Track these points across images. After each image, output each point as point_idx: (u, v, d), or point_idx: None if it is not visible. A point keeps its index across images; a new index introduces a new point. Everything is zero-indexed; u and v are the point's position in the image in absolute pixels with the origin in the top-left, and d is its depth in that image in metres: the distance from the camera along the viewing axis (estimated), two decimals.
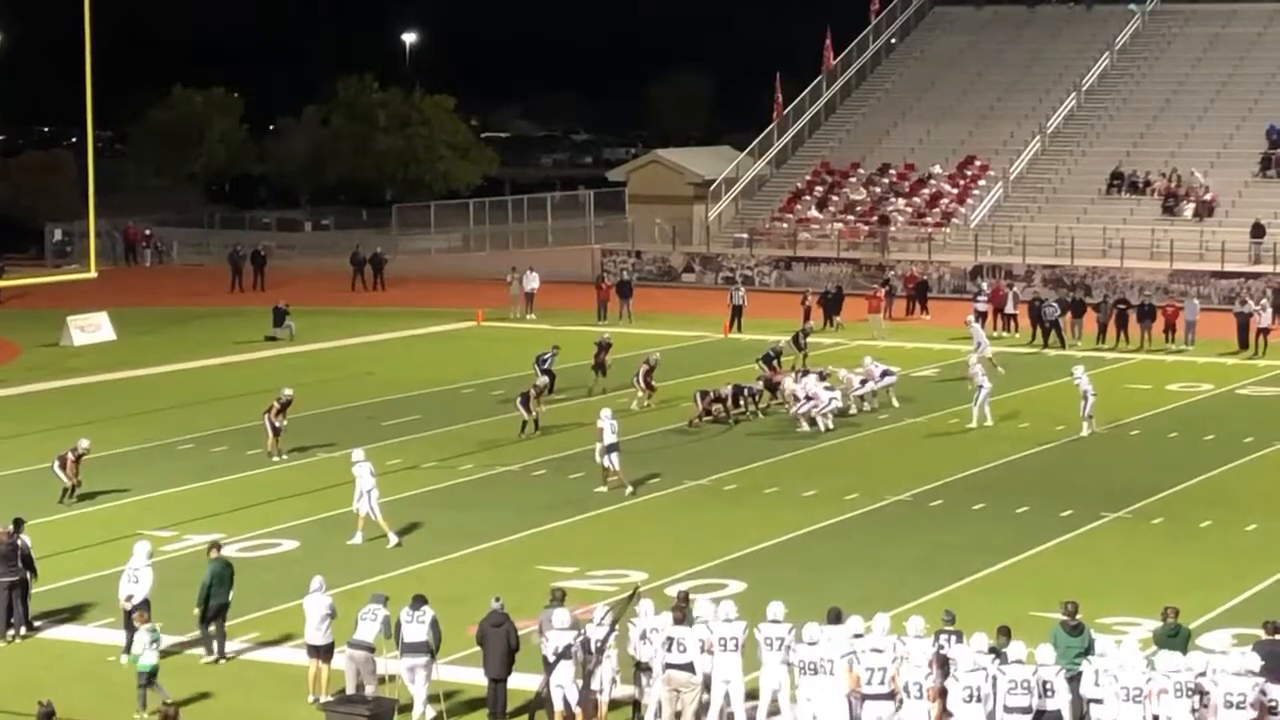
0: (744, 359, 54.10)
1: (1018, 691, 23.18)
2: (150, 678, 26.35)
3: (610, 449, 39.00)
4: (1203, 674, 23.10)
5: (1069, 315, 60.46)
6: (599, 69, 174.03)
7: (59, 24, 73.98)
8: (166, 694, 26.02)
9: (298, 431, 44.98)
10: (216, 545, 29.52)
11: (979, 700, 23.24)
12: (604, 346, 51.79)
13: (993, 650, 24.00)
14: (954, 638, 24.28)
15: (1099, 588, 31.36)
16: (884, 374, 48.78)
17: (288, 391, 42.79)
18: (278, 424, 42.25)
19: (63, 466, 38.47)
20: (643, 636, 25.18)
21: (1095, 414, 45.75)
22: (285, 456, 42.30)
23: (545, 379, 48.76)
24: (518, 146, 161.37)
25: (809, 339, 55.34)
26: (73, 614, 30.68)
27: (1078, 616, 24.89)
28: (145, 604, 27.91)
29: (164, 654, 28.25)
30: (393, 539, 35.10)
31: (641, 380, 49.14)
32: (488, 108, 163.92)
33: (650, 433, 45.77)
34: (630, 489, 38.89)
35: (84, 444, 39.03)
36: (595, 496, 38.81)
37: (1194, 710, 22.82)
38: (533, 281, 67.45)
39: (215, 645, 28.51)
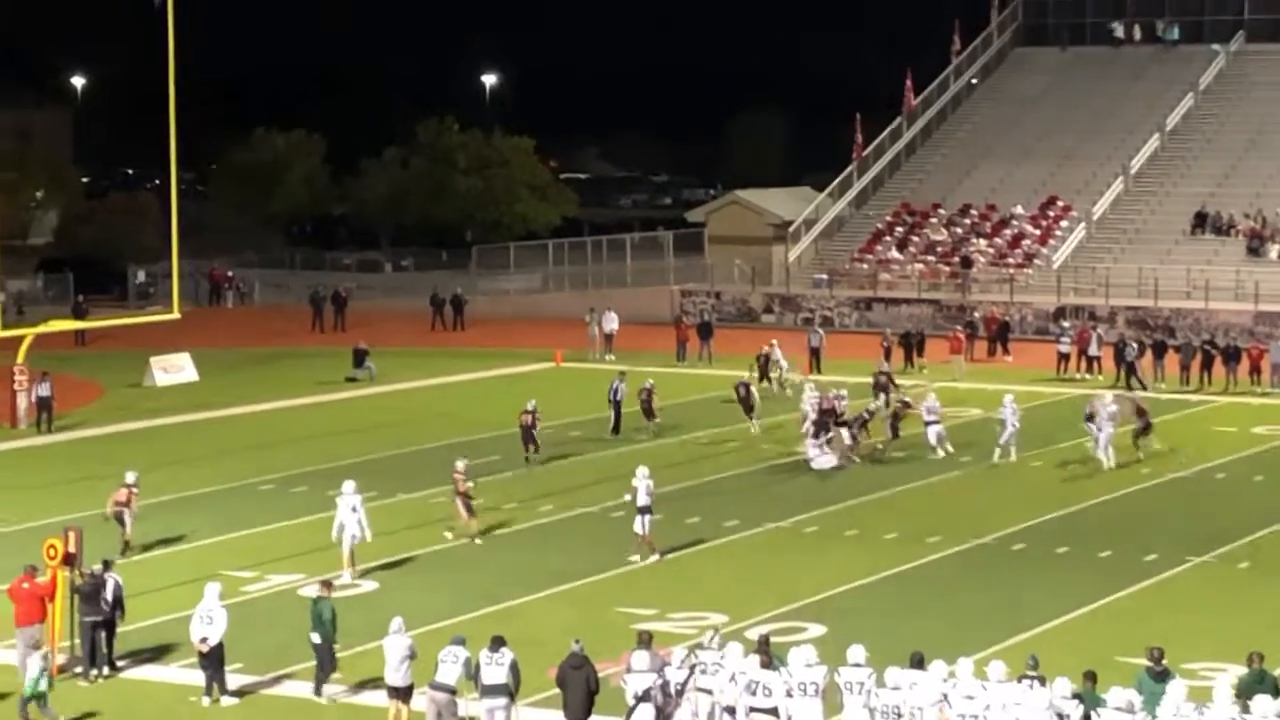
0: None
1: None
2: (37, 700, 26.84)
3: (643, 510, 36.68)
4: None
5: (1149, 356, 60.11)
6: (678, 110, 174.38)
7: (141, 67, 74.62)
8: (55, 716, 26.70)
9: (377, 473, 45.13)
10: (325, 584, 29.46)
11: None
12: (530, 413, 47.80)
13: (1077, 696, 23.77)
14: (1037, 683, 24.03)
15: (1184, 633, 31.03)
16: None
17: (460, 465, 39.21)
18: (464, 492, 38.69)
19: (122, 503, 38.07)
20: (732, 679, 24.97)
21: (1014, 445, 46.94)
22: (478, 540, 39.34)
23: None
24: (596, 187, 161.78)
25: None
26: (155, 654, 30.74)
27: (1163, 662, 24.61)
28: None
29: (242, 693, 28.33)
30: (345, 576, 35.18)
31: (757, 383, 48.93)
32: (566, 149, 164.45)
33: (729, 474, 45.68)
34: (657, 557, 36.96)
35: (131, 476, 38.71)
36: (673, 538, 38.60)
37: None
38: (612, 322, 67.48)
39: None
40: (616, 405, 50.82)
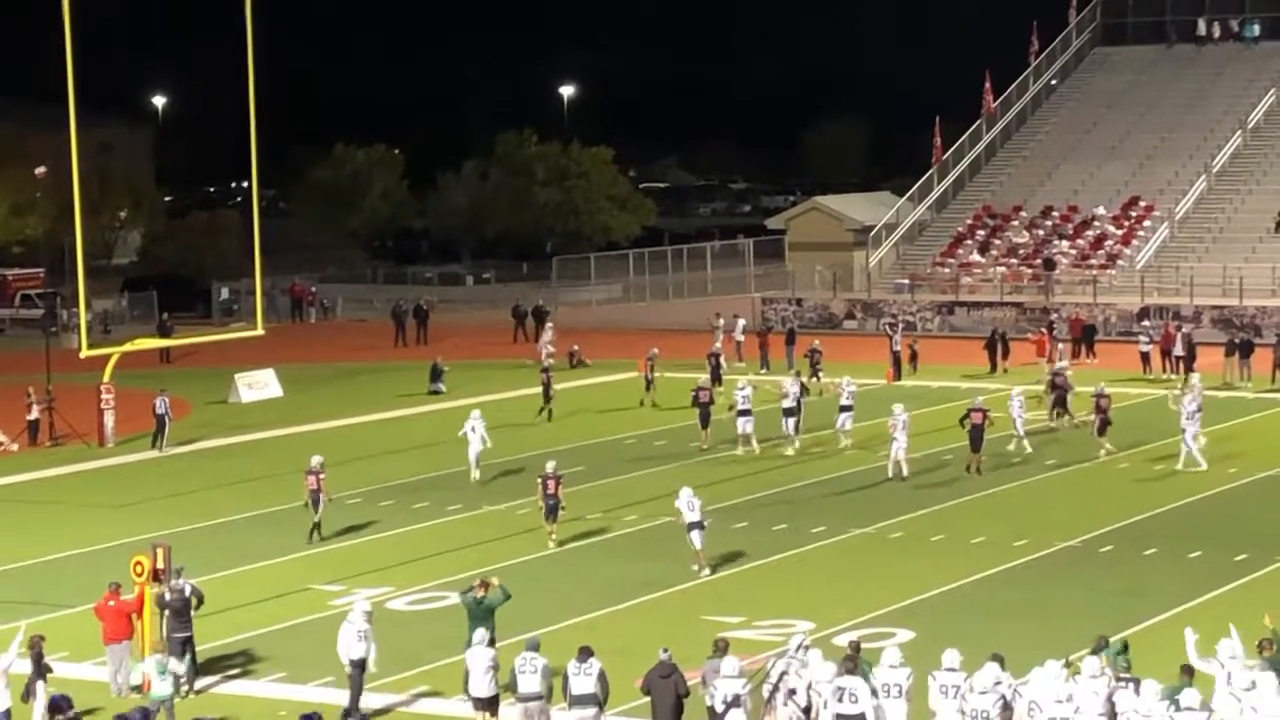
0: (914, 404, 53.68)
1: None
2: (163, 705, 27.07)
3: (692, 526, 36.75)
4: None
5: (1236, 356, 59.76)
6: (756, 117, 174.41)
7: (222, 86, 75.10)
8: None
9: (462, 486, 45.33)
10: (483, 583, 29.77)
11: None
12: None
13: (1170, 697, 23.64)
14: (1132, 685, 23.88)
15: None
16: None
17: (551, 465, 39.94)
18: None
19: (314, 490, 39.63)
20: (809, 687, 24.92)
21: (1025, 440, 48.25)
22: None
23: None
24: (676, 196, 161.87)
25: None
26: (243, 669, 30.87)
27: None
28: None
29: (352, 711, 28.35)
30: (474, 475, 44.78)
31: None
32: (645, 158, 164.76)
33: (814, 481, 45.61)
34: (708, 570, 36.71)
35: (316, 460, 40.09)
36: (760, 546, 38.64)
37: None
38: (740, 330, 67.56)
39: None
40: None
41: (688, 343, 68.03)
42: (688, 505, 36.73)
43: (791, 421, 49.61)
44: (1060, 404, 52.19)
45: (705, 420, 50.35)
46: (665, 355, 65.38)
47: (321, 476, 39.95)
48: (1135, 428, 50.59)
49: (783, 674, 25.14)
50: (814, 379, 58.55)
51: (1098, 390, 48.52)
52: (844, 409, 49.78)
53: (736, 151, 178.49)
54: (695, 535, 36.69)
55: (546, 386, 56.51)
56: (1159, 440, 48.53)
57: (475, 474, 45.72)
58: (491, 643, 28.32)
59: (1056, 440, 50.17)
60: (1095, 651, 25.20)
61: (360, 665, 28.16)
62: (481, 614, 28.98)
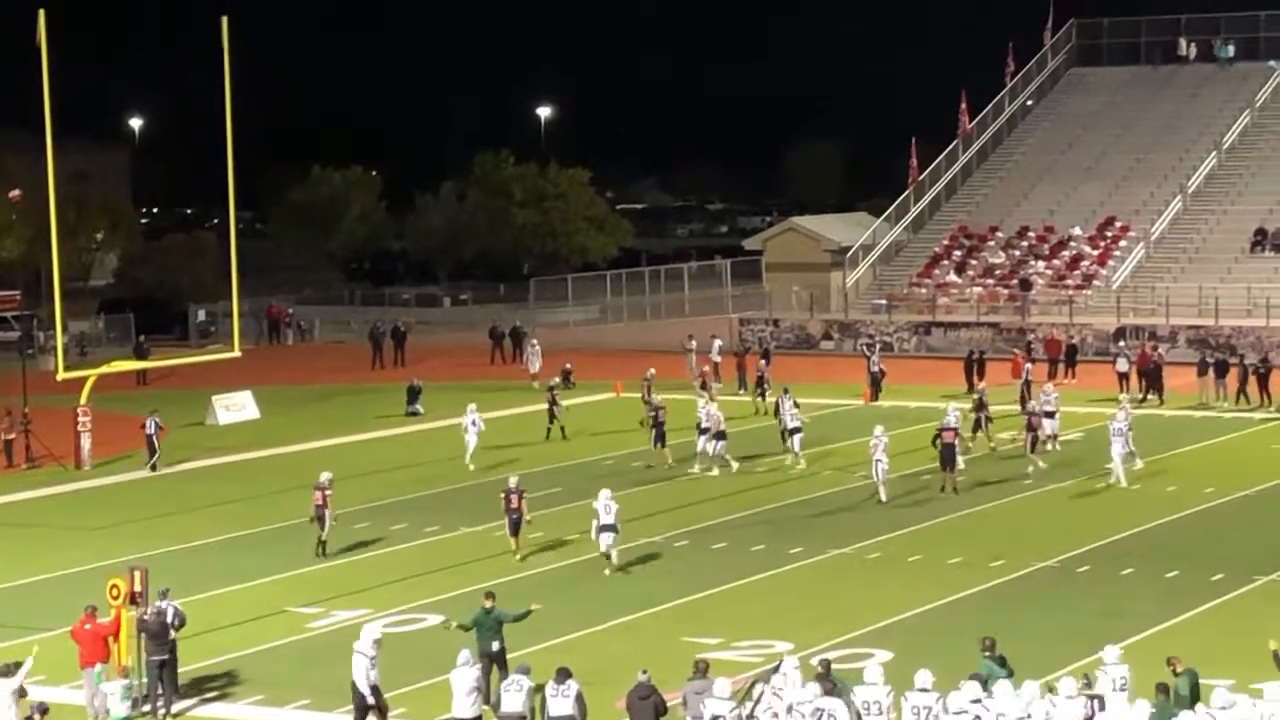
0: (893, 425, 53.77)
1: None
2: None
3: (604, 529, 38.00)
4: None
5: (1210, 374, 59.91)
6: (734, 138, 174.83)
7: (200, 107, 75.07)
8: None
9: (439, 507, 45.28)
10: (489, 595, 30.14)
11: None
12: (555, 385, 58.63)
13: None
14: (1096, 702, 24.00)
15: (1252, 652, 30.75)
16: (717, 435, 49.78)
17: (514, 480, 40.78)
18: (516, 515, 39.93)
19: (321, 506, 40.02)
20: (790, 710, 24.94)
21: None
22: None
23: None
24: (653, 217, 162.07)
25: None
26: (221, 692, 30.81)
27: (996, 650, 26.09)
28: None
29: None
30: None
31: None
32: (623, 179, 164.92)
33: (791, 502, 45.63)
34: (608, 572, 37.91)
35: (325, 477, 40.33)
36: (738, 566, 38.65)
37: None
38: (715, 351, 67.64)
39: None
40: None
41: (666, 364, 67.99)
42: (604, 508, 37.80)
43: (720, 444, 49.62)
44: (978, 425, 51.85)
45: (663, 439, 50.85)
46: (636, 374, 65.52)
47: (328, 493, 40.19)
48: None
49: (759, 698, 25.16)
50: (759, 399, 59.77)
51: (1029, 410, 49.42)
52: (793, 431, 49.92)
53: (714, 172, 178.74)
54: (606, 538, 37.79)
55: (552, 404, 56.54)
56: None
57: (470, 464, 50.24)
58: (502, 653, 28.52)
59: (1001, 458, 50.36)
60: (984, 650, 25.97)
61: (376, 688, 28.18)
62: (491, 626, 29.29)
